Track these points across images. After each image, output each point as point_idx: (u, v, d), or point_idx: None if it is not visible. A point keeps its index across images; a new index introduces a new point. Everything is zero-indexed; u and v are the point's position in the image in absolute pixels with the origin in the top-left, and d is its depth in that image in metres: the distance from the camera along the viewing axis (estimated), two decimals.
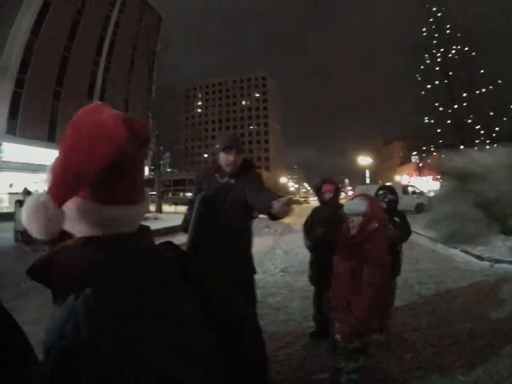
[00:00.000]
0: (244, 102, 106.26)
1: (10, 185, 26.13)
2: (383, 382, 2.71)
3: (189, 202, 2.99)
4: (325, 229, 3.28)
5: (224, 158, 2.58)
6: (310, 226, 3.65)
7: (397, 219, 3.50)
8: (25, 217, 0.69)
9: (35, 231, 0.69)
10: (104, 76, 37.15)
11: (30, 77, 29.62)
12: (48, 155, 27.61)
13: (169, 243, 0.88)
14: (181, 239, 11.10)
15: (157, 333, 0.64)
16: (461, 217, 0.46)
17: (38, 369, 0.63)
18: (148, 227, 0.83)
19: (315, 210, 3.78)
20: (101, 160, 0.66)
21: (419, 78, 30.36)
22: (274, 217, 2.04)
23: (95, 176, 0.67)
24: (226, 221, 2.46)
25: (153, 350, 0.62)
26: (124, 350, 0.60)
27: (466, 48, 28.86)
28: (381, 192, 3.68)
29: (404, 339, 3.47)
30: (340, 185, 3.72)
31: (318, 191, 3.64)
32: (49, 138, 29.61)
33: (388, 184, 7.28)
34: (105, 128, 0.68)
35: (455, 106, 28.01)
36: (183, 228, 2.89)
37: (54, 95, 32.00)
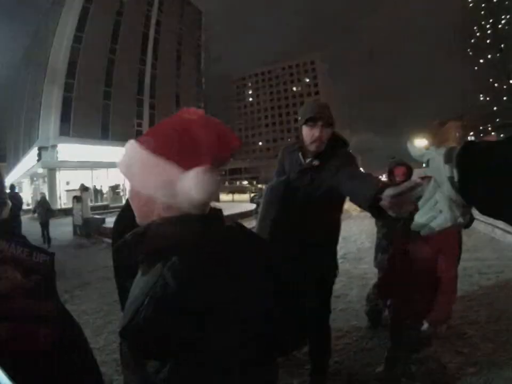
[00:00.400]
0: (294, 88, 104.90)
1: (67, 183, 27.84)
2: (438, 376, 2.61)
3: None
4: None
5: (308, 133, 2.07)
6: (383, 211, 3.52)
7: None
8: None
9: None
10: (152, 72, 38.38)
11: (78, 81, 31.32)
12: (102, 152, 29.14)
13: (239, 225, 0.96)
14: None
15: (226, 302, 0.74)
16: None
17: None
18: (220, 209, 0.94)
19: None
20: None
21: (470, 53, 28.80)
22: (381, 213, 1.39)
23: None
24: (307, 210, 2.05)
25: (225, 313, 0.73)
26: (203, 306, 0.70)
27: None
28: None
29: (461, 332, 3.31)
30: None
31: (390, 173, 3.51)
32: (103, 137, 31.16)
33: None
34: (227, 131, 0.86)
35: (511, 81, 26.27)
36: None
37: (104, 95, 33.53)
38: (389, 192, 1.21)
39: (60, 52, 30.73)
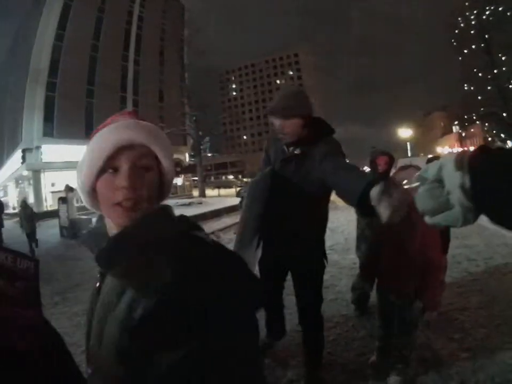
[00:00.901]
0: (278, 81, 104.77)
1: (53, 184, 27.48)
2: (431, 363, 2.63)
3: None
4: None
5: (274, 125, 2.08)
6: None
7: None
8: None
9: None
10: (134, 69, 38.04)
11: (60, 80, 30.90)
12: None
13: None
14: (226, 222, 11.20)
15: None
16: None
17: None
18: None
19: None
20: None
21: (454, 43, 29.04)
22: (370, 211, 1.20)
23: None
24: (293, 200, 2.03)
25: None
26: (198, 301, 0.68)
27: (500, 8, 27.04)
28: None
29: (452, 319, 3.33)
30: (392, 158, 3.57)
31: (372, 163, 3.48)
32: (87, 136, 30.86)
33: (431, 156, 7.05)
34: None
35: (495, 71, 26.52)
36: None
37: (87, 93, 33.09)
38: (380, 190, 1.09)
39: (42, 51, 30.16)
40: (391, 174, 2.52)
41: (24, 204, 9.75)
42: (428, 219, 0.61)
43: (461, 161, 0.55)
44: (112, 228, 0.79)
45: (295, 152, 2.08)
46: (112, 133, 0.74)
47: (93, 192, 0.78)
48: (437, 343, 2.89)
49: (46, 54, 30.40)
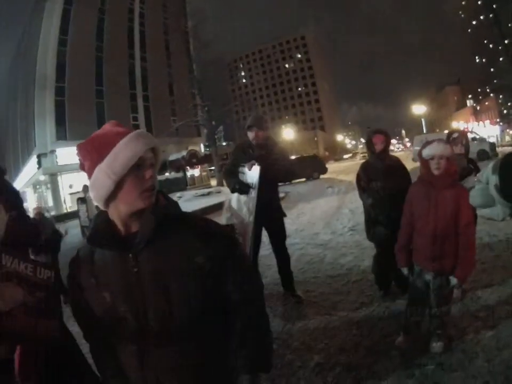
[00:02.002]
0: (287, 65, 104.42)
1: (71, 186, 27.82)
2: (456, 341, 2.61)
3: (229, 172, 3.68)
4: (383, 183, 3.22)
5: (250, 135, 3.51)
6: (366, 182, 3.47)
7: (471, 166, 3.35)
8: None
9: None
10: (142, 65, 37.98)
11: (68, 83, 31.00)
12: None
13: None
14: None
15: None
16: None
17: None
18: None
19: (366, 164, 3.59)
20: None
21: (462, 16, 28.24)
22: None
23: None
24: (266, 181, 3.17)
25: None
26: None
27: None
28: (455, 135, 3.48)
29: (477, 296, 3.29)
30: (397, 137, 3.54)
31: (369, 142, 3.44)
32: None
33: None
34: None
35: (506, 41, 25.69)
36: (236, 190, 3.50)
37: (97, 94, 33.22)
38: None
39: (46, 57, 30.34)
40: (416, 150, 2.51)
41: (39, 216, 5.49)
42: (479, 211, 0.85)
43: (495, 166, 0.71)
44: (119, 218, 0.97)
45: (262, 152, 3.43)
46: (141, 139, 0.97)
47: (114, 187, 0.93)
48: (462, 321, 2.88)
49: (51, 60, 30.59)
